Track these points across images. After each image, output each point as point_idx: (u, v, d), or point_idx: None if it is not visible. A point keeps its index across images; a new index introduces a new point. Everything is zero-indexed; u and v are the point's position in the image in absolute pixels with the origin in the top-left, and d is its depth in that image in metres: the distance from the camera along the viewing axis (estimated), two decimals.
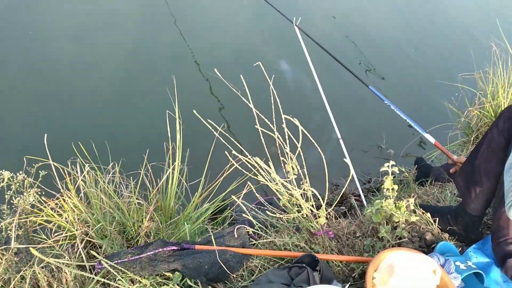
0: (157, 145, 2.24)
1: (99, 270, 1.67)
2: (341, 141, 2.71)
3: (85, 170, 2.00)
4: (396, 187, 1.99)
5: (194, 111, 1.98)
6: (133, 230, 1.97)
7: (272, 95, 1.97)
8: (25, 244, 1.85)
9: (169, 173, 2.09)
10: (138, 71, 3.76)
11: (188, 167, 2.25)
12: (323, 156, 1.93)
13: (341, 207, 2.63)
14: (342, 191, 2.53)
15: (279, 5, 3.13)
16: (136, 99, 3.51)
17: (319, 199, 2.02)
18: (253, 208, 2.07)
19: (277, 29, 4.33)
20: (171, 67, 3.78)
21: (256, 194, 2.06)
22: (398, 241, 1.91)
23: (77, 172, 2.00)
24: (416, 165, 2.78)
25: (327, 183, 2.01)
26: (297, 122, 1.87)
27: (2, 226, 1.84)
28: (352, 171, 2.17)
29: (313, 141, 1.91)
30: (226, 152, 1.99)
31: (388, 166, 1.94)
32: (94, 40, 4.00)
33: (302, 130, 1.88)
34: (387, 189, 1.98)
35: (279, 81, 1.96)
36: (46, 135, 1.93)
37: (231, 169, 2.12)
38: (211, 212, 2.17)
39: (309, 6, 5.02)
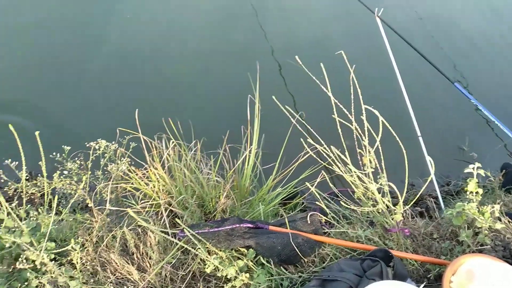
0: (236, 128, 2.33)
1: (181, 238, 1.80)
2: (420, 139, 2.60)
3: (169, 145, 2.14)
4: (480, 190, 1.87)
5: (274, 97, 2.01)
6: (211, 205, 2.09)
7: (352, 86, 1.94)
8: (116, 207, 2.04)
9: (246, 155, 2.16)
10: (221, 56, 3.90)
11: (263, 151, 2.31)
12: (404, 152, 1.87)
13: (416, 208, 2.53)
14: (420, 191, 2.42)
15: None
16: (218, 83, 3.65)
17: (394, 196, 1.97)
18: (326, 197, 2.07)
19: (357, 19, 4.21)
20: (252, 53, 3.86)
21: (330, 184, 2.07)
22: (479, 247, 1.81)
23: (162, 146, 2.16)
24: (503, 171, 2.58)
25: (406, 179, 1.95)
26: (377, 113, 1.82)
27: (97, 189, 2.05)
28: (432, 172, 2.09)
29: (394, 134, 1.85)
30: (301, 140, 2.02)
31: (473, 168, 1.84)
32: (180, 26, 4.20)
33: (382, 121, 1.83)
34: (471, 192, 1.87)
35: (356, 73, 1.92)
36: (137, 110, 2.10)
37: (306, 156, 2.14)
38: (284, 197, 2.21)
39: None
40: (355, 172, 1.96)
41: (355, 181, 1.99)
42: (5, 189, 2.00)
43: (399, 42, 2.88)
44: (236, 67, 3.69)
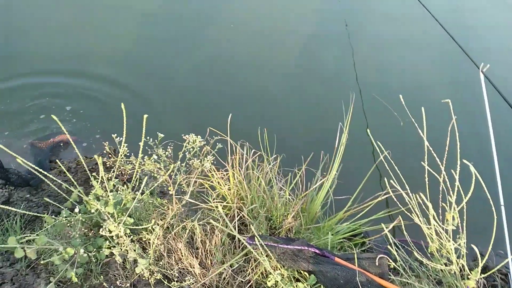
0: (316, 150, 2.35)
1: (248, 244, 1.83)
2: (503, 208, 2.43)
3: (250, 153, 2.21)
4: None
5: (368, 131, 1.99)
6: (278, 221, 2.10)
7: (449, 136, 1.88)
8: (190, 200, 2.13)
9: (322, 181, 2.16)
10: (315, 78, 3.95)
11: (338, 181, 2.29)
12: (495, 217, 1.77)
13: (492, 281, 2.35)
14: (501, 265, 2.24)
15: (467, 46, 2.96)
16: (308, 104, 3.69)
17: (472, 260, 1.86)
18: (397, 243, 2.00)
19: (459, 69, 4.07)
20: (346, 80, 3.87)
21: (404, 232, 1.99)
22: None
23: (243, 153, 2.22)
24: None
25: (490, 246, 1.83)
26: (473, 169, 1.75)
27: (178, 179, 2.15)
28: (508, 250, 1.95)
29: (489, 197, 1.76)
30: (385, 179, 1.98)
31: None
32: (279, 42, 4.34)
33: (477, 178, 1.75)
34: None
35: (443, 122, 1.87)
36: (230, 114, 2.20)
37: (384, 197, 2.10)
38: (352, 233, 2.17)
39: (498, 55, 4.58)
40: (434, 225, 1.88)
41: (431, 234, 1.91)
42: (98, 159, 2.15)
43: (500, 101, 2.74)
44: (328, 92, 3.73)
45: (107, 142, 2.16)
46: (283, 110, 3.58)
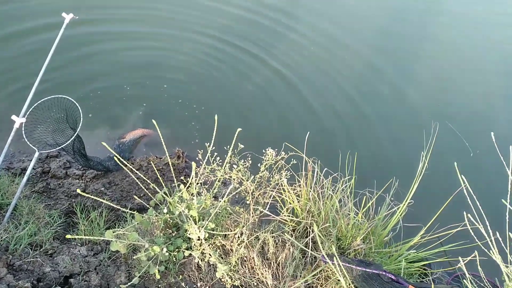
0: (388, 175, 2.36)
1: (324, 262, 1.87)
2: None
3: (322, 171, 2.25)
4: None
5: (455, 164, 1.96)
6: (347, 242, 2.13)
7: None
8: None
9: (397, 208, 2.18)
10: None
11: (408, 207, 2.29)
12: None
13: None
14: None
15: None
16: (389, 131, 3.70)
17: None
18: (470, 278, 1.97)
19: None
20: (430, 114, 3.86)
21: (479, 267, 1.96)
22: None
23: (317, 170, 2.27)
24: None
25: None
26: None
27: (255, 191, 2.22)
28: None
29: None
30: (465, 213, 1.96)
31: None
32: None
33: None
34: None
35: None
36: (308, 132, 2.26)
37: (459, 228, 2.08)
38: (421, 263, 2.16)
39: None
40: None
41: (510, 273, 1.87)
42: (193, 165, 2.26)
43: None
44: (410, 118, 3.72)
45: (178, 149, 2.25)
46: (365, 133, 3.58)
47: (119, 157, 1.90)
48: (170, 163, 2.20)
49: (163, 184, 2.17)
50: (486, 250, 1.93)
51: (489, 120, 3.86)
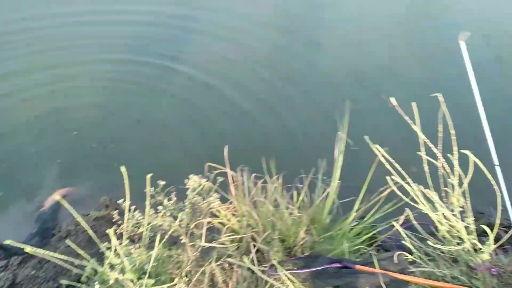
0: (313, 161, 2.38)
1: (270, 275, 1.86)
2: (497, 168, 2.53)
3: (250, 178, 2.22)
4: None
5: (366, 137, 2.00)
6: (291, 240, 2.14)
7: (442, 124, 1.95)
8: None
9: (326, 189, 2.21)
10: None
11: (343, 184, 2.32)
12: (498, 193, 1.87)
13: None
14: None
15: None
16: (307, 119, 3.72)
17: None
18: (408, 234, 2.07)
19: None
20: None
21: (414, 222, 2.06)
22: None
23: (244, 179, 2.23)
24: None
25: (497, 219, 1.93)
26: (471, 156, 1.84)
27: (183, 222, 2.15)
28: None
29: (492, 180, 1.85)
30: (387, 177, 2.03)
31: None
32: None
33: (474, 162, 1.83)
34: None
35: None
36: (227, 146, 2.21)
37: (387, 192, 2.15)
38: (364, 237, 2.22)
39: None
40: (441, 210, 1.96)
41: (440, 219, 1.98)
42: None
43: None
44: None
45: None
46: (260, 128, 3.58)
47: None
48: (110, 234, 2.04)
49: (98, 242, 2.03)
50: (415, 204, 2.03)
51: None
